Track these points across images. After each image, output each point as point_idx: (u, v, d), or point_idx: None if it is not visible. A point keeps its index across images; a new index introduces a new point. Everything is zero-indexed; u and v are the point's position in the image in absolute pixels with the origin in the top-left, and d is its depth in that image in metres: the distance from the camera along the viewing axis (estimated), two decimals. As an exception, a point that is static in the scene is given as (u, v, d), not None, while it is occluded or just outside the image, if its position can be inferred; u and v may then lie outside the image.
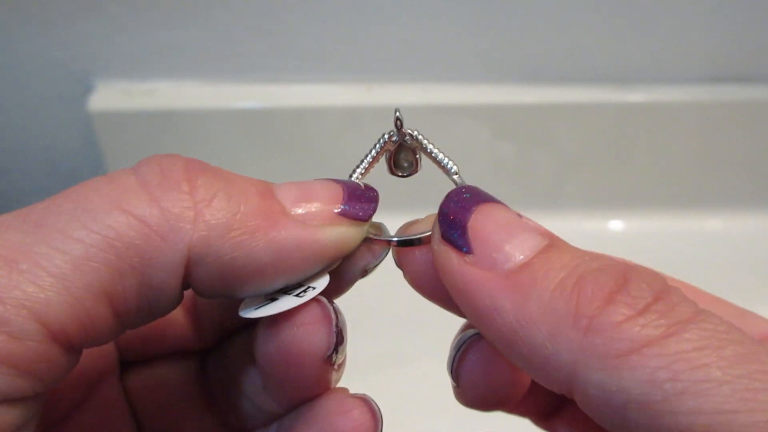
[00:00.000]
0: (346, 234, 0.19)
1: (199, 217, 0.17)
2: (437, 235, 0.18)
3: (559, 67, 0.54)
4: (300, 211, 0.18)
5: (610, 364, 0.14)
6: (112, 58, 0.54)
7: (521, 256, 0.17)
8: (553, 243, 0.17)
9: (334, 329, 0.19)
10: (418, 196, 0.55)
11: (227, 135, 0.57)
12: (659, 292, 0.15)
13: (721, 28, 0.52)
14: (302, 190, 0.19)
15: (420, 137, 0.21)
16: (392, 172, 0.22)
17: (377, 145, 0.21)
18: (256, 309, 0.19)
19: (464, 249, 0.17)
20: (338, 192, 0.19)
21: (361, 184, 0.21)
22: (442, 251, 0.18)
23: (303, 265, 0.19)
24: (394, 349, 0.52)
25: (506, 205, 0.18)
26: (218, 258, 0.17)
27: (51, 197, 0.16)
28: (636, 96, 0.55)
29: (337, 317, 0.20)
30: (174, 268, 0.17)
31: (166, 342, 0.23)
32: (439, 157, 0.21)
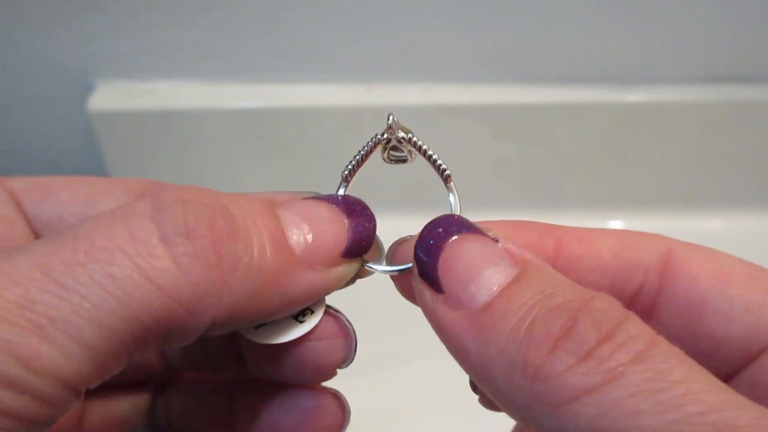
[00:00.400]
0: (348, 270, 0.20)
1: (225, 291, 0.17)
2: (415, 272, 0.19)
3: (559, 67, 0.54)
4: (308, 251, 0.19)
5: (555, 412, 0.15)
6: (112, 58, 0.54)
7: (486, 295, 0.17)
8: (522, 273, 0.17)
9: (354, 343, 0.21)
10: (415, 195, 0.55)
11: (227, 135, 0.57)
12: (608, 331, 0.15)
13: (721, 28, 0.52)
14: (312, 231, 0.19)
15: (414, 139, 0.21)
16: (385, 159, 0.22)
17: (369, 143, 0.21)
18: (261, 332, 0.20)
19: (436, 288, 0.18)
20: (344, 231, 0.20)
21: (361, 204, 0.21)
22: (419, 289, 0.19)
23: (307, 302, 0.20)
24: (394, 349, 0.52)
25: (479, 233, 0.19)
26: (238, 319, 0.18)
27: (69, 244, 0.16)
28: (636, 96, 0.55)
29: (352, 329, 0.21)
30: (195, 334, 0.17)
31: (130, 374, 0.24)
32: (434, 157, 0.21)
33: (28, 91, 0.57)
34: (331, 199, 0.20)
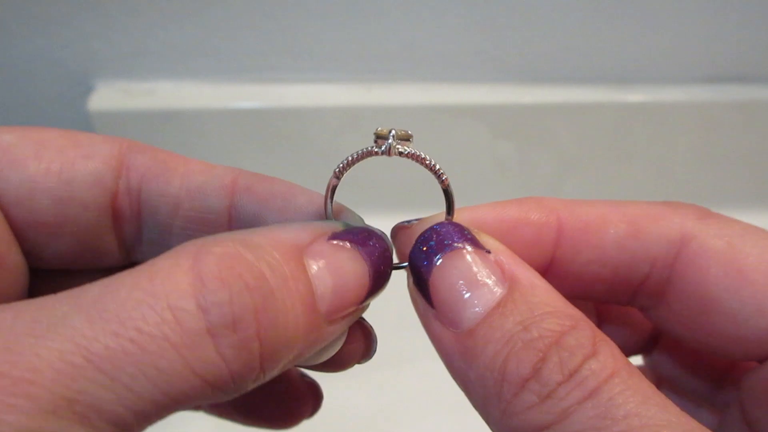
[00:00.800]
0: (363, 310, 0.20)
1: (260, 372, 0.17)
2: (410, 280, 0.19)
3: (559, 67, 0.54)
4: (332, 309, 0.19)
5: None
6: (112, 58, 0.54)
7: (471, 320, 0.18)
8: (508, 295, 0.18)
9: (374, 341, 0.22)
10: (416, 195, 0.55)
11: (227, 135, 0.57)
12: (570, 371, 0.17)
13: (721, 28, 0.52)
14: (337, 289, 0.19)
15: (412, 152, 0.21)
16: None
17: (365, 150, 0.21)
18: None
19: (429, 302, 0.19)
20: (366, 284, 0.20)
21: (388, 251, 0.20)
22: (414, 296, 0.19)
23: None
24: (394, 349, 0.52)
25: (470, 246, 0.19)
26: (268, 379, 0.18)
27: (112, 327, 0.15)
28: (636, 96, 0.55)
29: (371, 328, 0.22)
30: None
31: (86, 261, 0.22)
32: (432, 163, 0.21)
33: (28, 91, 0.57)
34: (357, 240, 0.20)
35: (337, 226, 0.20)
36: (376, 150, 0.20)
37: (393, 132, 0.20)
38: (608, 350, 0.17)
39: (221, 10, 0.51)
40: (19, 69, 0.56)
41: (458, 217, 0.21)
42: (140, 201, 0.21)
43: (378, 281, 0.20)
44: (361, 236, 0.20)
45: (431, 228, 0.19)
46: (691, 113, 0.55)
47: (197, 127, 0.56)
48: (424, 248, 0.19)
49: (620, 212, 0.21)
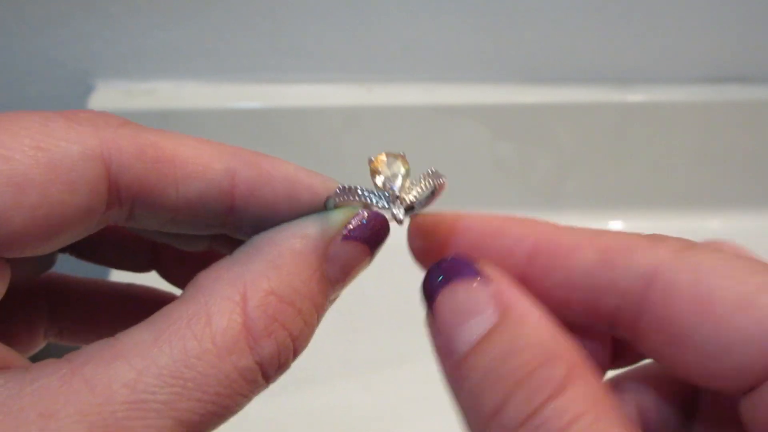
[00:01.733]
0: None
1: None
2: (426, 307, 0.20)
3: (559, 67, 0.54)
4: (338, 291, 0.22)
5: None
6: (112, 58, 0.54)
7: (463, 348, 0.19)
8: (498, 324, 0.18)
9: None
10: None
11: (227, 135, 0.57)
12: (533, 410, 0.17)
13: (721, 28, 0.52)
14: (346, 279, 0.21)
15: (426, 194, 0.22)
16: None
17: (369, 199, 0.21)
18: None
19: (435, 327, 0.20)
20: (369, 260, 0.21)
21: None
22: (427, 322, 0.20)
23: None
24: (394, 349, 0.52)
25: (470, 280, 0.19)
26: None
27: (195, 396, 0.18)
28: (636, 96, 0.55)
29: None
30: None
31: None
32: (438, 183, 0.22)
33: (28, 91, 0.57)
34: (363, 230, 0.21)
35: (341, 218, 0.21)
36: (378, 209, 0.21)
37: (395, 187, 0.21)
38: (580, 388, 0.17)
39: (221, 10, 0.51)
40: (19, 69, 0.56)
41: (445, 220, 0.22)
42: (131, 212, 0.21)
43: (378, 248, 0.21)
44: (366, 226, 0.21)
45: (438, 262, 0.20)
46: (691, 113, 0.55)
47: (197, 127, 0.56)
48: (432, 277, 0.20)
49: (595, 241, 0.20)
